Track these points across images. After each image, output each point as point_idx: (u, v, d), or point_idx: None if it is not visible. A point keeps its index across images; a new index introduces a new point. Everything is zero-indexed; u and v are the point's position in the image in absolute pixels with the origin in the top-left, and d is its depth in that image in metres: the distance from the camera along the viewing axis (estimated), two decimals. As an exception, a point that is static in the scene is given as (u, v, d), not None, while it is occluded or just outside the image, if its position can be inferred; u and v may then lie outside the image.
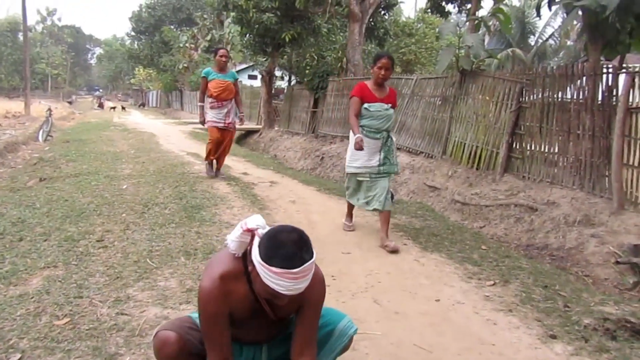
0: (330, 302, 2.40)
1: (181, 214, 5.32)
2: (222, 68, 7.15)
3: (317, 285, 1.87)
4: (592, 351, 2.81)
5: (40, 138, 13.81)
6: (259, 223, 1.79)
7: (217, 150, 7.36)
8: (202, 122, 7.35)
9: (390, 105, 4.66)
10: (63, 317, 2.89)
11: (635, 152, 5.67)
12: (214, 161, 7.66)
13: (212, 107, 7.14)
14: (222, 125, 7.17)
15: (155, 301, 3.17)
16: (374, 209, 4.75)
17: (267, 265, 1.65)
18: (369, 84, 4.69)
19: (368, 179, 4.74)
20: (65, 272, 3.60)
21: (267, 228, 1.78)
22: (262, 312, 1.91)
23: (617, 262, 4.94)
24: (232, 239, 1.81)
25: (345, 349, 2.11)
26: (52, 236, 4.44)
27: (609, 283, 4.82)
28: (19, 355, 2.47)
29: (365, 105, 4.61)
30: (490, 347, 2.81)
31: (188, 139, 15.60)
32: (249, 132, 20.31)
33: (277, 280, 1.65)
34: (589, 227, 5.61)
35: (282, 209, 6.06)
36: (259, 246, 1.71)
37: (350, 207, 5.19)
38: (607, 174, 6.03)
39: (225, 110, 7.17)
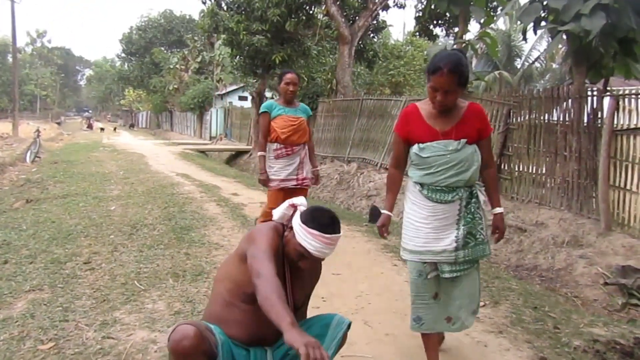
0: (320, 324, 2.38)
1: (170, 235, 5.28)
2: (289, 100, 4.73)
3: (321, 269, 2.39)
4: (583, 373, 2.80)
5: (27, 159, 13.71)
6: (302, 202, 2.16)
7: None
8: (265, 182, 4.75)
9: (464, 140, 2.46)
10: (48, 342, 2.83)
11: (621, 173, 5.76)
12: None
13: (277, 157, 4.69)
14: (293, 183, 4.73)
15: (143, 324, 3.12)
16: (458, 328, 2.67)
17: (305, 227, 2.02)
18: (424, 106, 2.58)
19: (437, 272, 2.57)
20: (51, 295, 3.54)
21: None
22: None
23: (606, 283, 4.97)
24: (278, 212, 2.16)
25: (343, 339, 2.19)
26: (38, 258, 4.38)
27: (598, 304, 4.83)
28: (1, 382, 2.41)
29: (415, 148, 2.54)
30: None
31: (178, 159, 15.55)
32: (239, 153, 20.36)
33: (310, 240, 2.00)
34: (577, 248, 5.65)
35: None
36: (301, 215, 2.08)
37: (431, 342, 2.67)
38: (594, 195, 6.10)
39: (298, 159, 4.72)
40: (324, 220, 2.05)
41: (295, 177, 4.73)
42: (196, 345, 1.86)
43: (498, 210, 2.64)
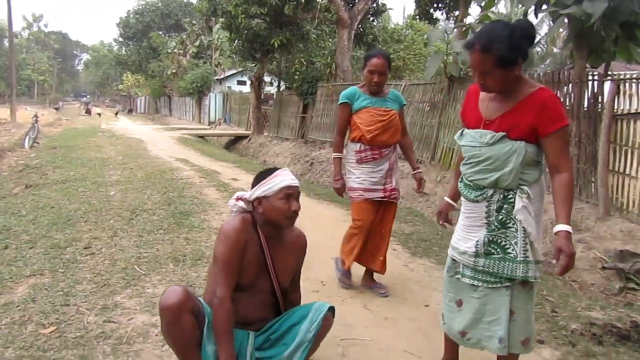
0: (319, 308, 2.41)
1: (170, 220, 5.29)
2: (375, 91, 3.60)
3: (306, 248, 2.46)
4: (579, 356, 2.83)
5: (26, 145, 13.65)
6: (244, 192, 2.33)
7: (367, 242, 3.67)
8: (341, 191, 3.72)
9: (501, 134, 2.09)
10: (49, 326, 2.85)
11: (620, 158, 5.75)
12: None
13: (360, 161, 3.59)
14: (379, 195, 3.58)
15: (143, 308, 3.14)
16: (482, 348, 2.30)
17: (269, 179, 2.21)
18: None
19: (459, 276, 2.30)
20: (52, 280, 3.55)
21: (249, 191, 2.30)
22: (264, 275, 2.26)
23: (604, 268, 5.00)
24: (235, 207, 2.29)
25: (325, 324, 2.24)
26: (38, 244, 4.39)
27: (595, 288, 4.87)
28: (3, 365, 2.43)
29: (457, 133, 2.34)
30: (480, 352, 2.82)
31: (177, 144, 15.53)
32: (238, 138, 20.32)
33: (281, 179, 2.20)
34: (575, 232, 5.66)
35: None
36: (255, 187, 2.25)
37: (450, 339, 2.46)
38: (593, 180, 6.10)
39: (386, 165, 3.61)
40: (273, 167, 2.33)
41: (382, 187, 3.58)
42: (183, 301, 1.99)
43: (561, 227, 1.98)
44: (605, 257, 5.10)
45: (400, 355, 2.77)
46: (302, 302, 2.45)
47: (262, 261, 2.25)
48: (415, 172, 3.72)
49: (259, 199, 2.22)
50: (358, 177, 3.59)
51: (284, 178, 2.21)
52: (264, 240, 2.25)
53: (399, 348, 2.84)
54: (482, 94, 2.21)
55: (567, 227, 1.98)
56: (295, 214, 2.23)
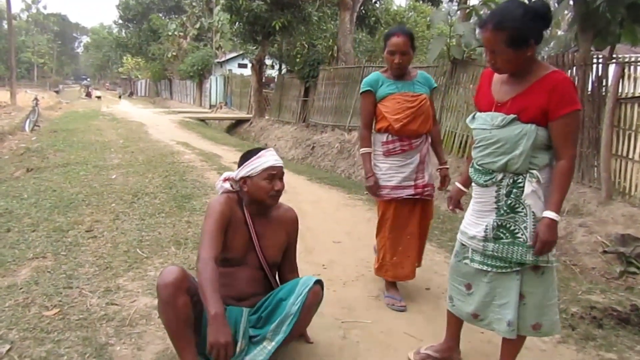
0: (321, 291, 2.41)
1: (171, 203, 5.29)
2: (399, 75, 3.17)
3: (296, 222, 2.54)
4: (579, 339, 2.85)
5: (27, 128, 13.63)
6: (229, 173, 2.42)
7: (400, 245, 3.22)
8: (374, 189, 3.19)
9: (512, 116, 2.04)
10: (52, 308, 2.87)
11: (623, 142, 5.73)
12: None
13: (388, 154, 3.18)
14: (410, 192, 3.15)
15: (146, 291, 3.16)
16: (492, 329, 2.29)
17: (253, 159, 2.30)
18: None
19: (467, 261, 2.27)
20: (54, 263, 3.57)
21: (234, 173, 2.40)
22: (252, 250, 2.35)
23: (605, 252, 5.01)
24: (222, 188, 2.39)
25: (313, 297, 2.25)
26: (40, 227, 4.40)
27: (596, 272, 4.88)
28: (8, 346, 2.45)
29: (469, 117, 2.30)
30: (479, 335, 2.84)
31: (177, 128, 15.49)
32: (239, 122, 20.27)
33: (265, 160, 2.29)
34: (577, 216, 5.67)
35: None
36: (241, 166, 2.33)
37: (453, 322, 2.50)
38: (596, 164, 6.08)
39: (417, 157, 3.18)
40: (257, 148, 2.39)
41: (412, 183, 3.16)
42: (180, 280, 2.03)
43: (546, 214, 2.02)
44: (607, 241, 5.11)
45: (401, 337, 2.79)
46: None
47: (248, 237, 2.34)
48: (441, 167, 3.34)
49: (243, 179, 2.31)
50: (385, 172, 3.18)
51: (267, 159, 2.30)
52: (249, 216, 2.35)
53: (400, 330, 2.86)
54: (495, 77, 2.18)
55: (553, 215, 2.01)
56: (278, 192, 2.33)
